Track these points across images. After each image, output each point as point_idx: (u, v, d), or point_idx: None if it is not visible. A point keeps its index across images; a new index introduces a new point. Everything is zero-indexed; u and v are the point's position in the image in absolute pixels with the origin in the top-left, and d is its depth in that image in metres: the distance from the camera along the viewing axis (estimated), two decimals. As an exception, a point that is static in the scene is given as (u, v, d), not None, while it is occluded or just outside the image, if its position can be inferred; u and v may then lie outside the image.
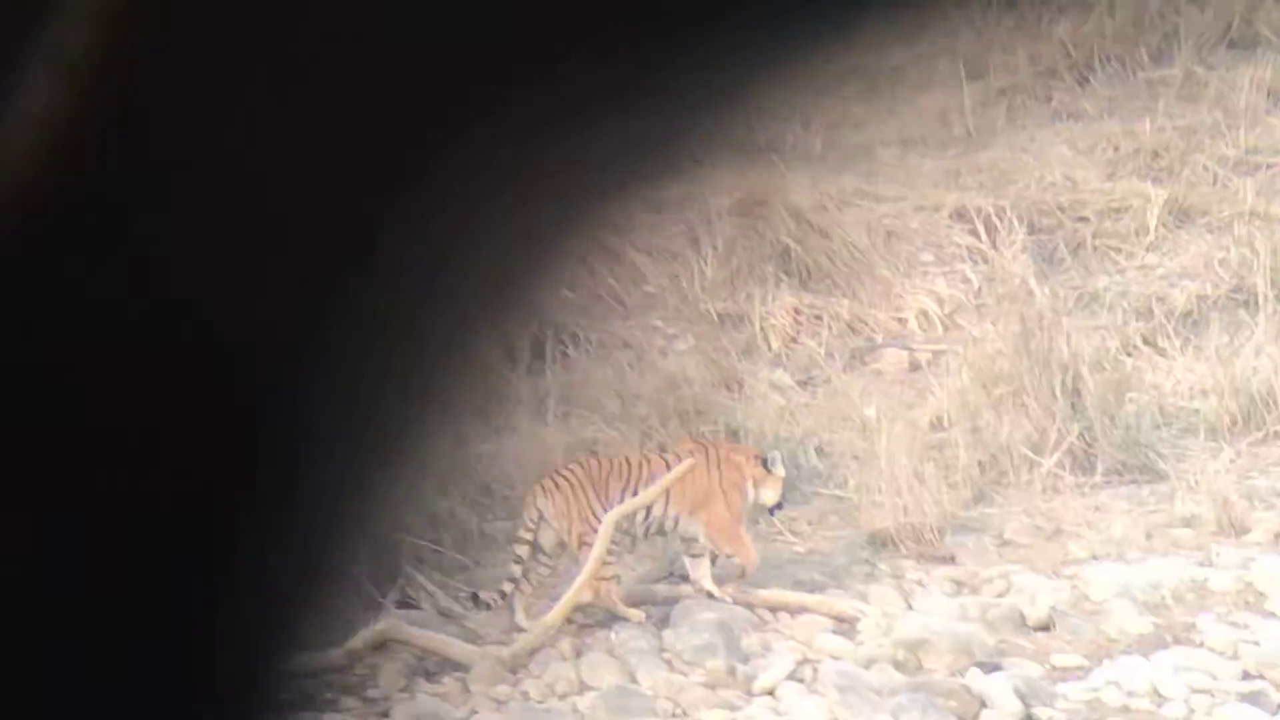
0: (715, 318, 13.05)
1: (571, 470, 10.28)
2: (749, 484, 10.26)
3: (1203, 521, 10.52)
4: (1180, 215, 13.75)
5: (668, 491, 10.14)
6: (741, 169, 14.40)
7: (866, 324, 13.09)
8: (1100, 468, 11.05)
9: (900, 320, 13.14)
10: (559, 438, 11.51)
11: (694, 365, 12.28)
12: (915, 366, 12.67)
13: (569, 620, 9.81)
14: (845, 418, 11.96)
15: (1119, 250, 13.57)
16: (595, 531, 9.97)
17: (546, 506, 10.09)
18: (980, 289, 13.28)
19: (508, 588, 10.01)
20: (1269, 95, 15.24)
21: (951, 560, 10.41)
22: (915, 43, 16.81)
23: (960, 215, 13.81)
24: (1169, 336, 12.36)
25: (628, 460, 10.38)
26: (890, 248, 13.61)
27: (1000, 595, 9.98)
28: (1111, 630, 9.67)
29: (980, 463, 11.16)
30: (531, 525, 10.10)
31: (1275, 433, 11.34)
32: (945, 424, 11.49)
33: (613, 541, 10.01)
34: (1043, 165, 14.40)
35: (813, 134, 15.34)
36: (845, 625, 9.89)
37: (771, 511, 10.47)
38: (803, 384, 12.54)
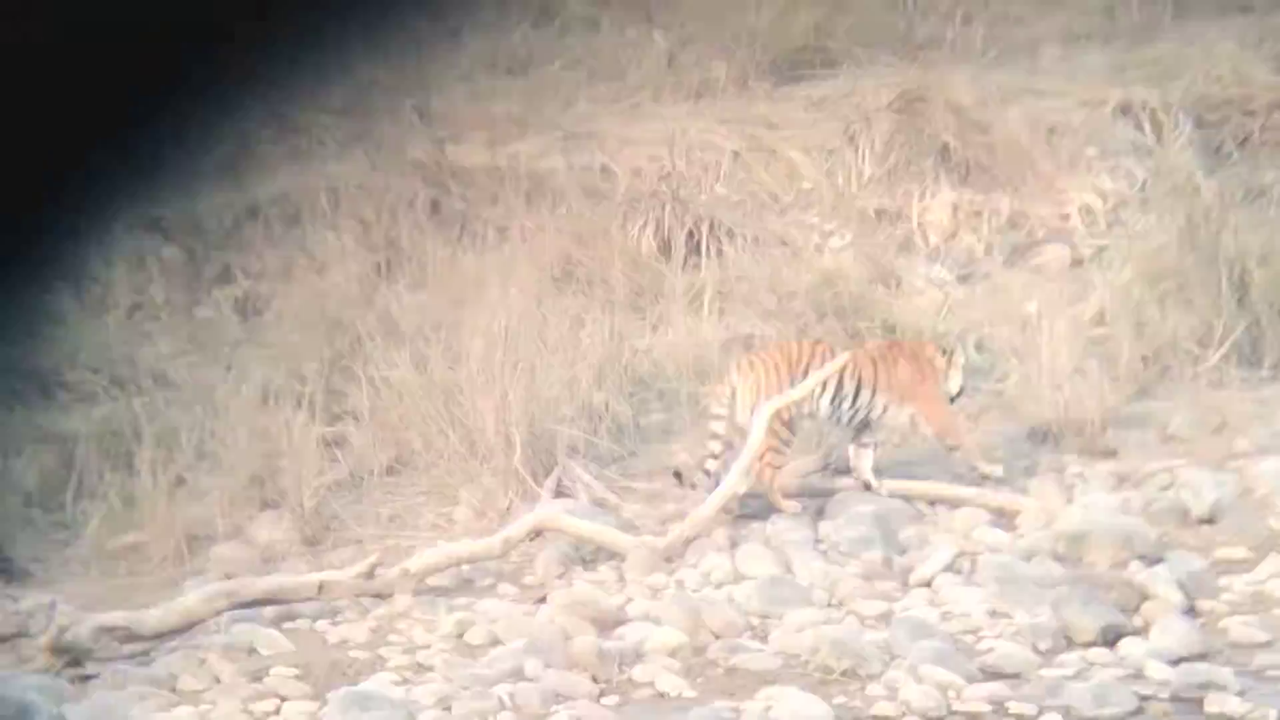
0: (872, 214, 12.93)
1: (769, 352, 10.31)
2: (941, 375, 10.29)
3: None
4: (1350, 106, 13.42)
5: (875, 379, 10.13)
6: (901, 66, 14.23)
7: (1028, 219, 12.91)
8: (1267, 361, 10.87)
9: (1063, 216, 12.94)
10: (714, 333, 11.48)
11: (850, 262, 12.18)
12: (1078, 262, 12.48)
13: (726, 510, 9.78)
14: (1005, 314, 11.81)
15: (1288, 144, 13.28)
16: (780, 421, 9.96)
17: (741, 384, 10.08)
18: (1145, 184, 13.03)
19: (711, 465, 9.99)
20: None
21: (1114, 455, 10.27)
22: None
23: (1125, 110, 13.55)
24: (1340, 229, 12.07)
25: (830, 350, 10.33)
26: (1052, 143, 13.39)
27: (1164, 489, 9.83)
28: (1277, 524, 9.50)
29: (1144, 358, 11.00)
30: (726, 401, 10.05)
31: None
32: (1108, 320, 11.33)
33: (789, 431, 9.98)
34: (1210, 59, 14.07)
35: (974, 30, 15.10)
36: (1005, 519, 9.79)
37: (953, 399, 10.41)
38: (962, 280, 12.40)
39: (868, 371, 10.18)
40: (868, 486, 10.05)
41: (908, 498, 9.96)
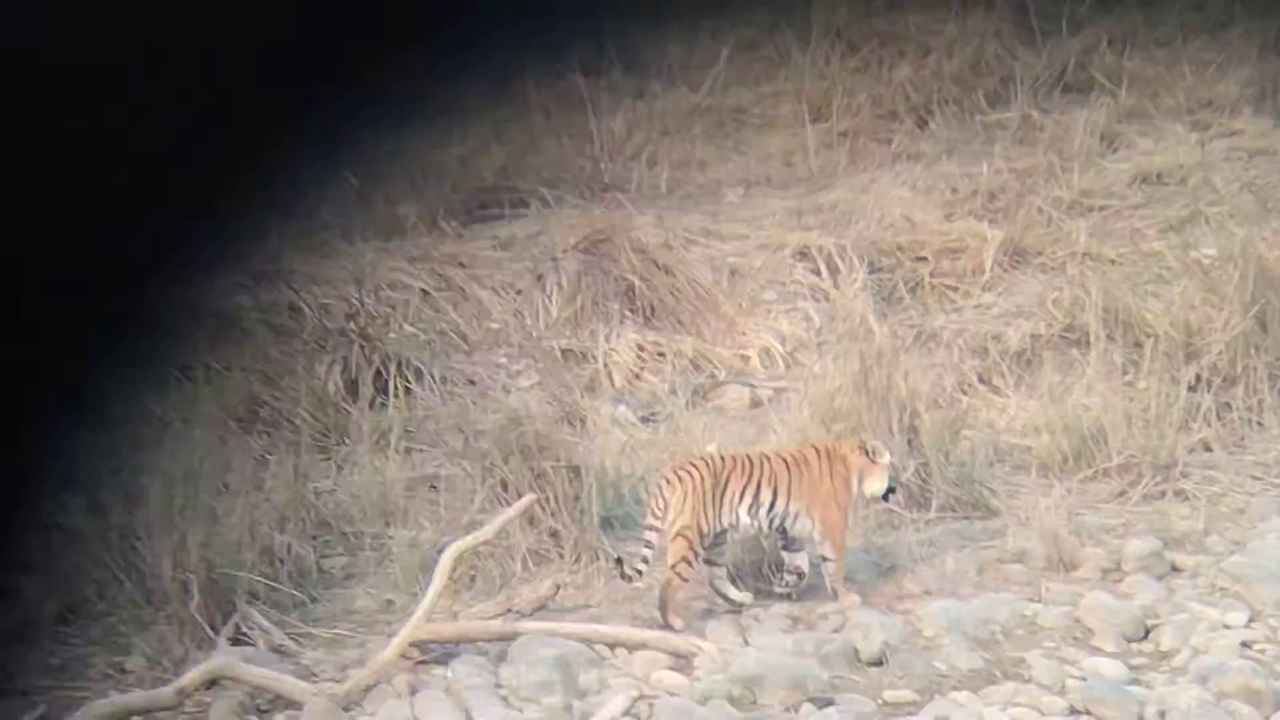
0: (559, 354, 13.11)
1: (696, 466, 10.50)
2: (854, 478, 10.54)
3: (1033, 557, 10.69)
4: (1015, 255, 14.01)
5: (788, 486, 10.43)
6: (588, 207, 14.51)
7: (710, 361, 13.20)
8: (935, 504, 11.20)
9: (743, 357, 13.27)
10: (400, 473, 11.50)
11: (537, 401, 12.31)
12: (757, 403, 12.80)
13: (404, 656, 9.78)
14: (688, 454, 12.03)
15: (956, 289, 13.80)
16: (697, 530, 10.30)
17: (671, 495, 10.37)
18: (821, 327, 13.44)
19: (643, 567, 10.32)
20: (1102, 139, 15.58)
21: (788, 597, 10.49)
22: (760, 85, 17.04)
23: (803, 254, 13.99)
24: (1003, 375, 12.57)
25: (749, 458, 10.56)
26: (734, 285, 13.75)
27: (835, 631, 10.07)
28: (943, 665, 9.79)
29: (820, 499, 11.25)
30: (659, 513, 10.38)
31: (1105, 470, 11.55)
32: (785, 461, 11.58)
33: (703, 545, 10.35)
34: (883, 206, 14.62)
35: (659, 173, 15.49)
36: (683, 661, 9.93)
37: (885, 498, 10.71)
38: (646, 420, 12.62)
39: (782, 478, 10.47)
40: (834, 594, 10.38)
41: (588, 641, 10.05)
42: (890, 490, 10.64)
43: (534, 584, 10.42)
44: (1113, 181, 15.04)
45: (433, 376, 12.56)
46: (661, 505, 10.37)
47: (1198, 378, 12.18)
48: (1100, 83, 16.59)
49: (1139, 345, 12.38)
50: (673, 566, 10.28)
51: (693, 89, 16.87)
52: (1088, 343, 12.54)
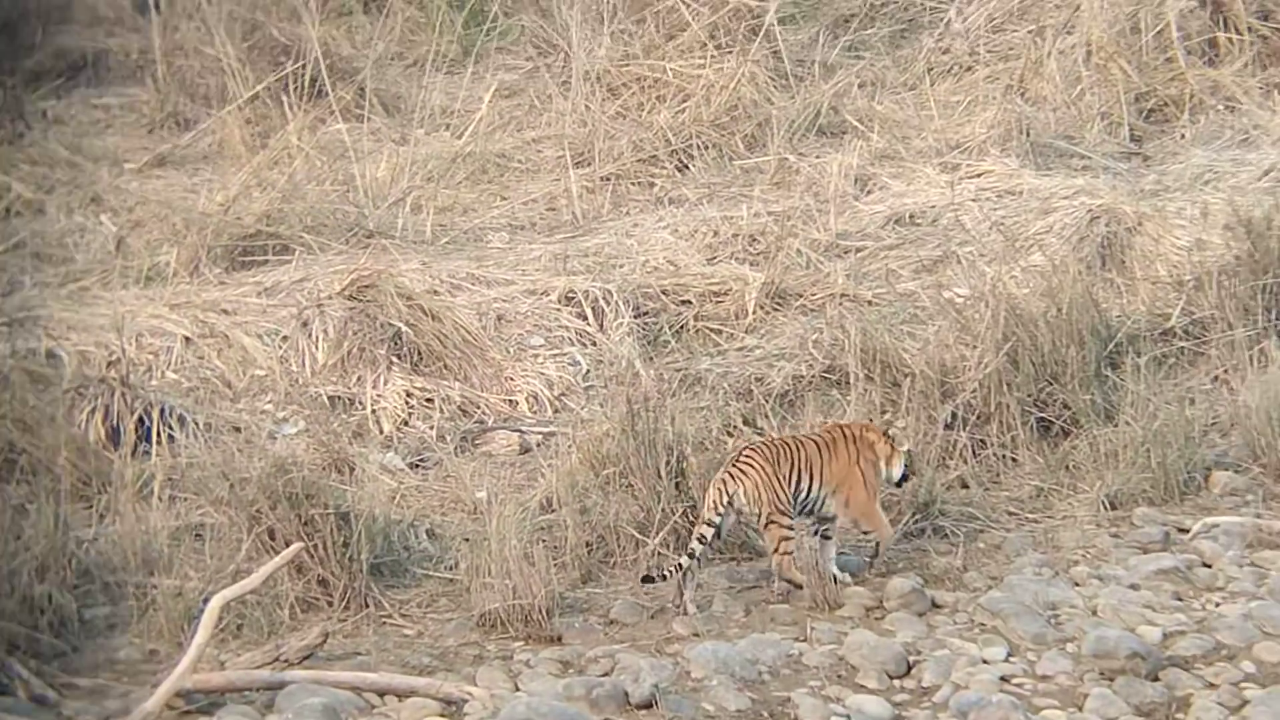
0: (326, 401, 13.04)
1: (751, 456, 10.85)
2: (881, 461, 11.08)
3: (799, 597, 10.87)
4: (777, 298, 14.25)
5: (821, 470, 10.93)
6: (353, 253, 14.48)
7: (478, 406, 13.22)
8: (703, 546, 11.31)
9: (511, 402, 13.32)
10: (164, 522, 11.35)
11: (304, 448, 12.24)
12: (526, 448, 12.85)
13: (169, 707, 9.66)
14: (456, 500, 12.07)
15: (720, 332, 13.99)
16: (782, 513, 10.77)
17: (738, 492, 10.74)
18: (588, 371, 13.55)
19: (685, 562, 10.68)
20: (856, 181, 15.93)
21: (559, 641, 10.55)
22: (522, 130, 17.15)
23: (569, 299, 14.09)
24: (767, 416, 12.76)
25: (789, 444, 11.01)
26: (501, 331, 13.80)
27: (605, 674, 10.14)
28: (711, 707, 9.91)
29: (588, 543, 11.35)
30: (721, 509, 10.74)
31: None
32: (555, 505, 11.66)
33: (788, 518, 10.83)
34: (647, 250, 14.80)
35: (423, 219, 15.51)
36: (453, 708, 9.94)
37: (899, 484, 11.24)
38: (415, 466, 12.61)
39: (816, 462, 10.95)
40: (833, 579, 10.84)
41: (357, 690, 10.00)
42: (905, 478, 11.19)
43: (302, 632, 10.35)
44: (868, 223, 15.37)
45: (196, 424, 12.43)
46: (725, 501, 10.74)
47: (953, 415, 12.48)
48: (854, 125, 16.97)
49: (896, 385, 12.65)
50: (775, 551, 10.79)
51: (455, 134, 16.94)
52: (848, 383, 12.79)
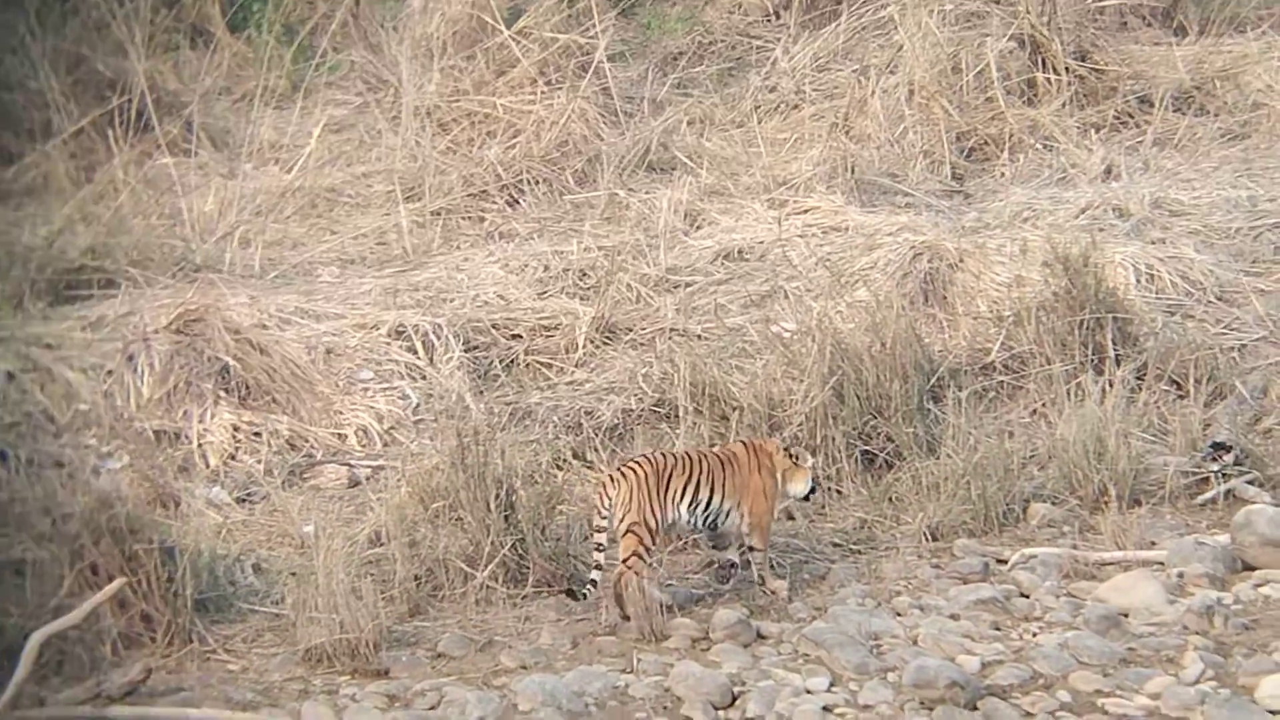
0: (151, 435, 12.93)
1: (639, 463, 11.02)
2: (779, 474, 11.35)
3: (626, 629, 10.94)
4: (607, 332, 14.34)
5: (724, 483, 11.16)
6: (180, 287, 14.37)
7: (307, 440, 13.18)
8: (531, 579, 11.38)
9: (340, 436, 13.29)
10: (-17, 560, 11.19)
11: (128, 483, 12.13)
12: (355, 482, 12.83)
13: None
14: (284, 534, 12.02)
15: (550, 366, 14.06)
16: (648, 527, 10.92)
17: (615, 493, 10.93)
18: (418, 405, 13.55)
19: (596, 575, 10.89)
20: (685, 217, 16.09)
21: (386, 674, 10.54)
22: (352, 165, 17.16)
23: (399, 333, 14.09)
24: (596, 449, 12.85)
25: (689, 456, 11.22)
26: (330, 365, 13.77)
27: (432, 708, 10.15)
28: (541, 738, 9.97)
29: (417, 577, 11.36)
30: (605, 513, 10.93)
31: (693, 541, 11.88)
32: (384, 539, 11.65)
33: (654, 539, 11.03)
34: (477, 284, 14.84)
35: (252, 253, 15.44)
36: (279, 743, 9.90)
37: (806, 498, 11.54)
38: (242, 501, 12.54)
39: (718, 475, 11.12)
40: (761, 581, 11.31)
41: (181, 726, 9.94)
42: (812, 491, 11.48)
43: (125, 668, 10.27)
44: (697, 258, 15.52)
45: (19, 459, 12.27)
46: (607, 504, 10.90)
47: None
48: (682, 162, 17.14)
49: (725, 418, 12.79)
50: (624, 560, 10.87)
51: (285, 169, 16.90)
52: (677, 416, 12.91)
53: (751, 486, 11.27)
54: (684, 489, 11.12)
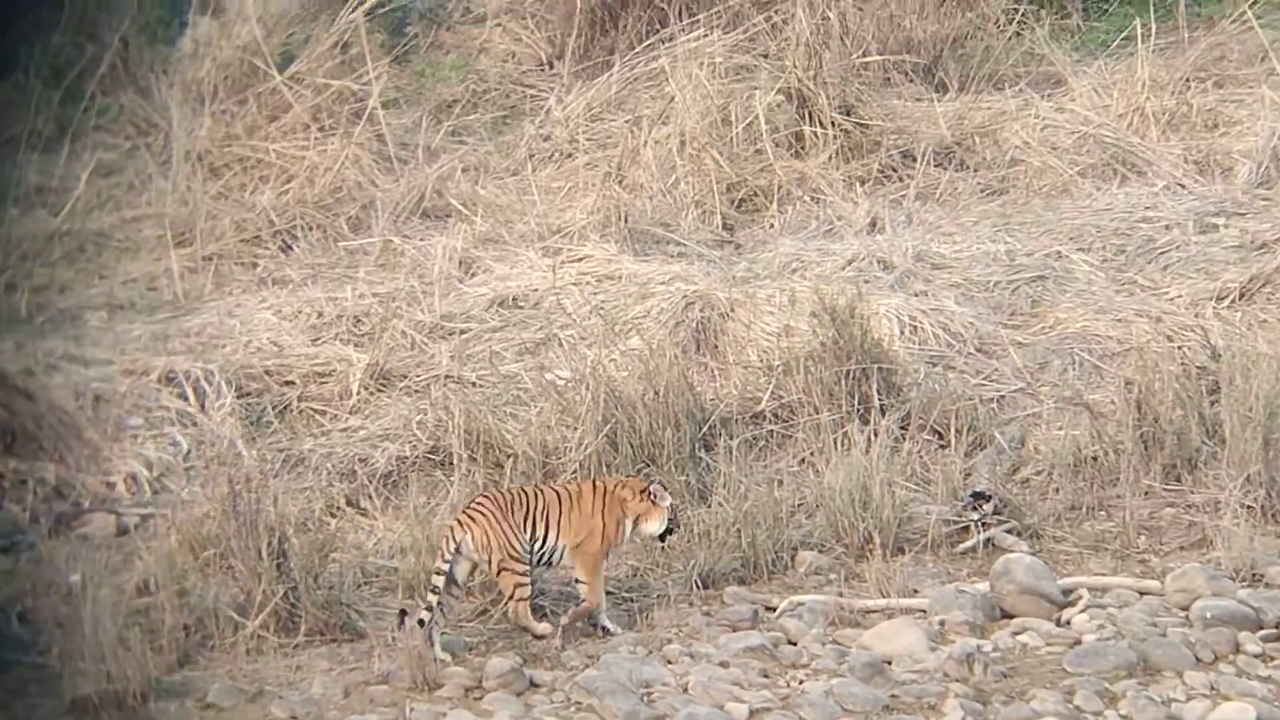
0: (-89, 483, 12.68)
1: (482, 504, 11.11)
2: (629, 519, 11.53)
3: (399, 678, 10.96)
4: (381, 379, 14.35)
5: (559, 520, 11.34)
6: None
7: (74, 488, 13.01)
8: (304, 627, 11.35)
9: (108, 484, 13.13)
10: None
11: (-112, 533, 11.89)
12: (124, 530, 12.68)
13: None
14: (50, 584, 11.84)
15: (324, 413, 14.02)
16: (515, 559, 11.11)
17: (465, 539, 11.09)
18: (189, 452, 13.44)
19: (425, 615, 10.92)
20: (460, 264, 16.14)
21: (154, 725, 10.46)
22: (121, 209, 16.97)
23: (169, 379, 13.96)
24: (371, 497, 12.86)
25: (526, 492, 11.45)
26: (98, 412, 13.60)
27: (207, 760, 10.10)
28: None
29: (186, 626, 11.27)
30: (449, 557, 11.04)
31: (469, 589, 11.92)
32: (153, 588, 11.55)
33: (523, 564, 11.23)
34: (250, 330, 14.76)
35: (17, 298, 15.19)
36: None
37: (661, 539, 11.77)
38: (5, 550, 12.34)
39: (554, 511, 11.23)
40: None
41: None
42: (669, 531, 11.60)
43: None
44: (471, 305, 15.57)
45: None
46: (452, 549, 10.96)
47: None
48: (458, 209, 17.20)
49: (500, 465, 12.87)
50: (510, 599, 11.10)
51: (52, 213, 16.65)
52: (451, 463, 12.97)
53: (589, 528, 11.41)
54: (523, 523, 11.26)
